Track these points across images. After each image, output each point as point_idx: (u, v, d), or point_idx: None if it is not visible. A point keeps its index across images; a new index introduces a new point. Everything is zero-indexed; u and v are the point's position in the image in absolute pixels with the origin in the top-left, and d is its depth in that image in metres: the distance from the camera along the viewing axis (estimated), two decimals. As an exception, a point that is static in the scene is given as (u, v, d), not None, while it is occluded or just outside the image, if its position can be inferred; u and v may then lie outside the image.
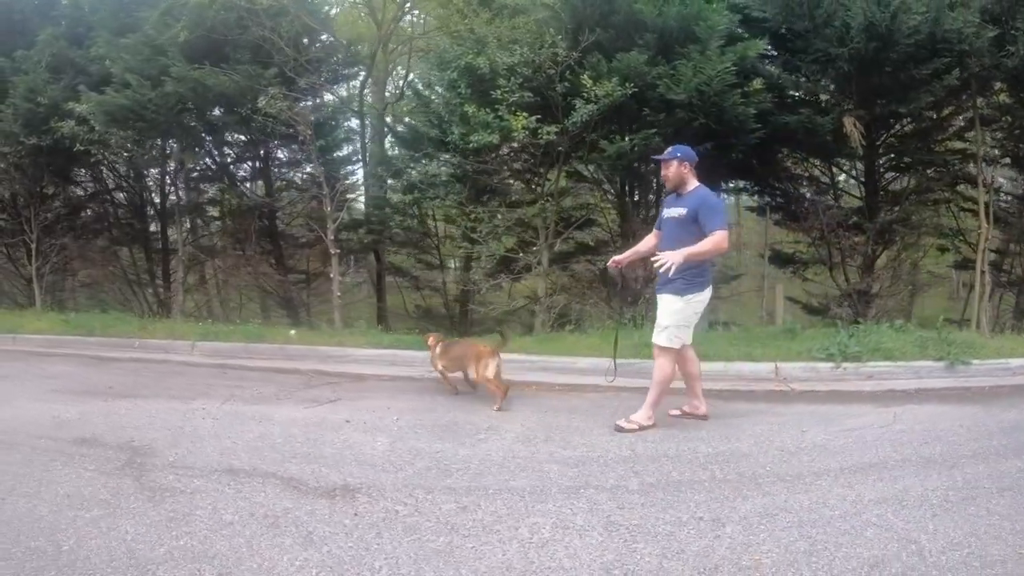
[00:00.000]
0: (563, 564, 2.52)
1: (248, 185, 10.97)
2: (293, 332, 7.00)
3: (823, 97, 8.16)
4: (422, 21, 9.93)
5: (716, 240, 3.96)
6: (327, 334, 7.44)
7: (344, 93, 9.58)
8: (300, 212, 10.22)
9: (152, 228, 11.57)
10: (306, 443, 4.03)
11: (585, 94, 6.89)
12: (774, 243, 9.88)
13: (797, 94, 8.03)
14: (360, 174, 10.50)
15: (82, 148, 8.73)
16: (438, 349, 5.30)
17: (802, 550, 2.57)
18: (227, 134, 9.72)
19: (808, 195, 8.61)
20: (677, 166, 4.22)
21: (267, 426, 4.38)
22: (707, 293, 4.25)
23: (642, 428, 4.17)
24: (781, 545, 2.62)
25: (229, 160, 10.57)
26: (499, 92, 6.68)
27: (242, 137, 9.92)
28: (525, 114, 6.71)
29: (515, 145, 7.31)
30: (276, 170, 10.66)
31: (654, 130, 7.10)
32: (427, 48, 8.64)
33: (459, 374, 5.32)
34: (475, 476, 3.46)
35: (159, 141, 9.46)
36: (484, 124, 6.72)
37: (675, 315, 4.13)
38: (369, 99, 9.72)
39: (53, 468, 3.63)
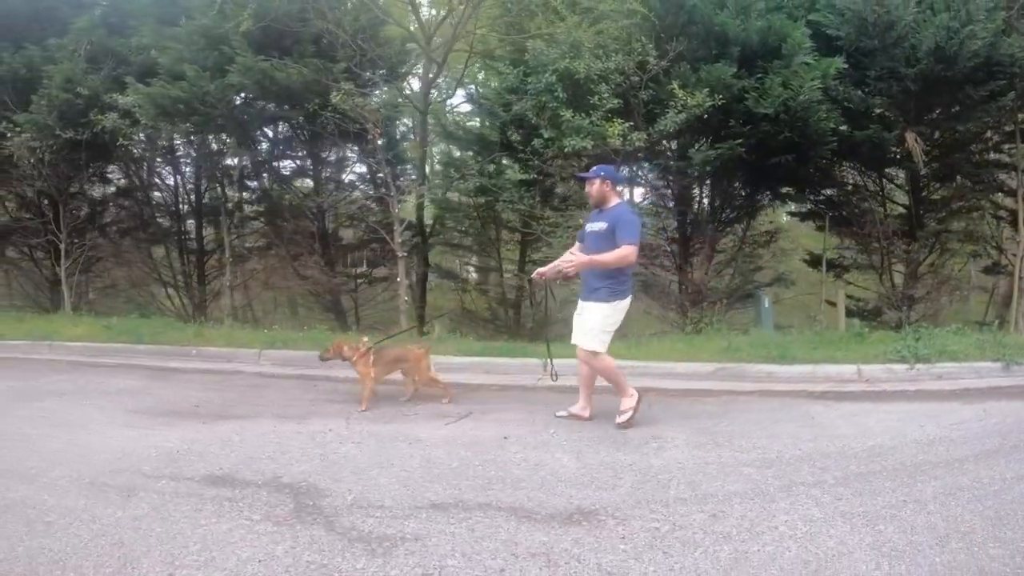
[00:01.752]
0: (839, 550, 2.62)
1: (296, 184, 10.25)
2: (366, 339, 6.49)
3: (880, 111, 8.20)
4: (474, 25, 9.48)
5: (623, 252, 4.22)
6: (405, 341, 6.90)
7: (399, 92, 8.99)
8: (355, 213, 9.63)
9: (184, 227, 10.79)
10: (487, 466, 3.61)
11: (673, 103, 6.78)
12: (812, 248, 9.90)
13: (861, 109, 8.00)
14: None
15: (124, 143, 7.99)
16: (371, 356, 4.93)
17: (991, 517, 2.88)
18: (278, 130, 9.11)
19: (866, 204, 8.64)
20: (600, 184, 4.43)
21: (425, 449, 3.92)
22: (628, 301, 4.47)
23: (635, 410, 4.39)
24: (975, 515, 2.91)
25: (284, 158, 9.89)
26: (596, 98, 6.42)
27: (286, 133, 9.30)
28: (620, 120, 6.45)
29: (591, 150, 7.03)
30: (328, 169, 10.00)
31: (739, 141, 7.04)
32: (484, 51, 8.23)
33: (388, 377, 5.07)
34: (690, 486, 3.31)
35: (210, 136, 8.72)
36: (577, 129, 6.44)
37: (601, 319, 4.35)
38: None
39: (206, 521, 2.95)
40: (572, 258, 4.40)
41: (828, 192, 9.00)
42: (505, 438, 4.16)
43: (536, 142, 6.93)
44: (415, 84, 9.23)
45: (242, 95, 8.00)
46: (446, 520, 2.94)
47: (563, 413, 4.64)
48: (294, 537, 2.79)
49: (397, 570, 2.50)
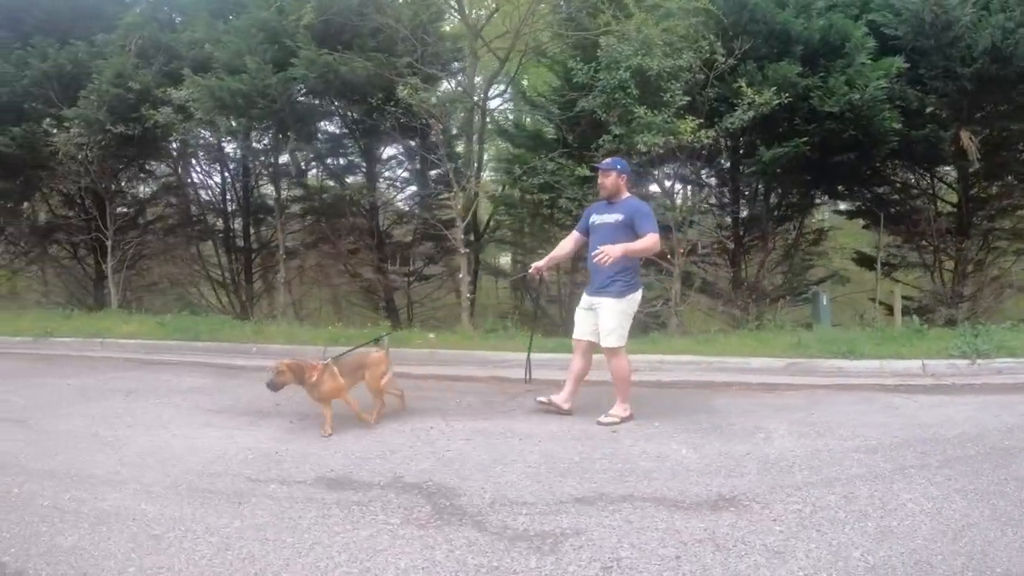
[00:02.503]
0: (965, 522, 2.79)
1: (349, 180, 10.19)
2: (432, 335, 6.61)
3: (932, 110, 8.37)
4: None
5: (651, 241, 4.30)
6: (467, 337, 7.03)
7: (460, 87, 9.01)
8: (406, 211, 9.61)
9: (231, 225, 10.78)
10: (612, 459, 3.65)
11: (739, 101, 6.90)
12: (855, 247, 10.08)
13: (916, 108, 8.17)
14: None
15: (177, 137, 8.02)
16: (335, 369, 4.35)
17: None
18: (333, 126, 9.12)
19: (916, 202, 8.82)
20: (616, 176, 4.50)
21: (538, 444, 3.93)
22: (639, 293, 4.57)
23: (623, 420, 4.42)
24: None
25: (338, 154, 9.84)
26: (668, 95, 6.54)
27: (341, 129, 9.30)
28: (691, 117, 6.58)
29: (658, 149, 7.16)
30: (382, 166, 10.00)
31: (804, 139, 7.16)
32: (537, 47, 8.32)
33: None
34: (811, 471, 3.41)
35: (267, 131, 8.73)
36: (649, 125, 6.56)
37: (618, 316, 4.41)
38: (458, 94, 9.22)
39: (340, 528, 2.85)
40: (606, 249, 4.22)
41: (879, 190, 9.11)
42: (614, 432, 4.21)
43: (604, 138, 6.99)
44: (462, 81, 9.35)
45: (302, 89, 7.98)
46: (597, 513, 2.96)
47: (544, 399, 4.68)
48: (448, 540, 2.71)
49: (574, 566, 2.48)
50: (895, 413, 4.46)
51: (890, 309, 9.59)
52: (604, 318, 4.42)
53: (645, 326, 8.56)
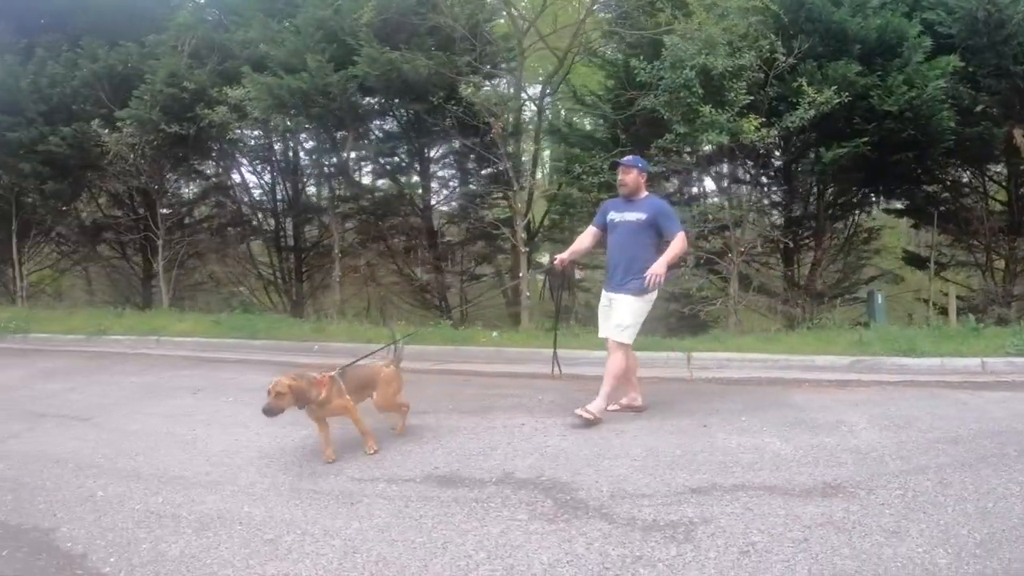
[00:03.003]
0: None
1: (403, 178, 10.31)
2: (495, 334, 6.75)
3: (984, 108, 8.48)
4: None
5: (682, 241, 4.42)
6: (532, 335, 7.10)
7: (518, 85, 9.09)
8: (458, 210, 9.75)
9: (282, 224, 10.92)
10: (712, 451, 3.79)
11: (799, 99, 6.99)
12: (898, 245, 10.20)
13: (970, 106, 8.28)
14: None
15: (233, 136, 8.17)
16: (342, 385, 3.86)
17: None
18: (387, 124, 9.24)
19: (966, 200, 8.93)
20: (637, 174, 4.55)
21: (634, 438, 4.05)
22: (655, 292, 4.58)
23: (596, 419, 4.40)
24: None
25: (393, 153, 9.87)
26: (732, 94, 6.67)
27: (395, 128, 9.39)
28: (754, 116, 6.71)
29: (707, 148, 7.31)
30: (437, 165, 10.11)
31: (864, 139, 7.26)
32: (589, 47, 8.47)
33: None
34: (902, 460, 3.56)
35: (323, 130, 8.81)
36: (713, 124, 6.69)
37: (635, 314, 4.47)
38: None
39: (468, 526, 2.88)
40: (653, 270, 4.30)
41: (929, 189, 9.17)
42: (704, 426, 4.31)
43: (667, 137, 7.11)
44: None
45: (360, 88, 8.03)
46: (716, 503, 3.07)
47: (615, 407, 4.65)
48: (582, 533, 2.77)
49: (713, 552, 2.60)
50: (965, 408, 4.59)
51: (940, 308, 9.73)
52: (620, 312, 4.49)
53: (700, 324, 8.75)
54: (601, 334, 4.72)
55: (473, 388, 5.61)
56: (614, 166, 4.89)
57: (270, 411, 3.58)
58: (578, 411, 4.38)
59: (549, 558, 2.59)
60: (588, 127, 9.26)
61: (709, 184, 9.26)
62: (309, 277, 10.82)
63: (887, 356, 6.16)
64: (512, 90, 8.60)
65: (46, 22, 10.42)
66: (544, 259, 12.59)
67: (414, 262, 9.32)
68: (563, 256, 4.81)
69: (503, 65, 8.53)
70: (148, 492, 3.40)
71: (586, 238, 4.85)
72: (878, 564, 2.49)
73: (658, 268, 4.31)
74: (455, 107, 7.67)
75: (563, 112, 9.18)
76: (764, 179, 8.59)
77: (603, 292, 4.72)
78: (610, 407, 4.64)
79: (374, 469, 3.62)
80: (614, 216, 4.63)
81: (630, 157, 4.72)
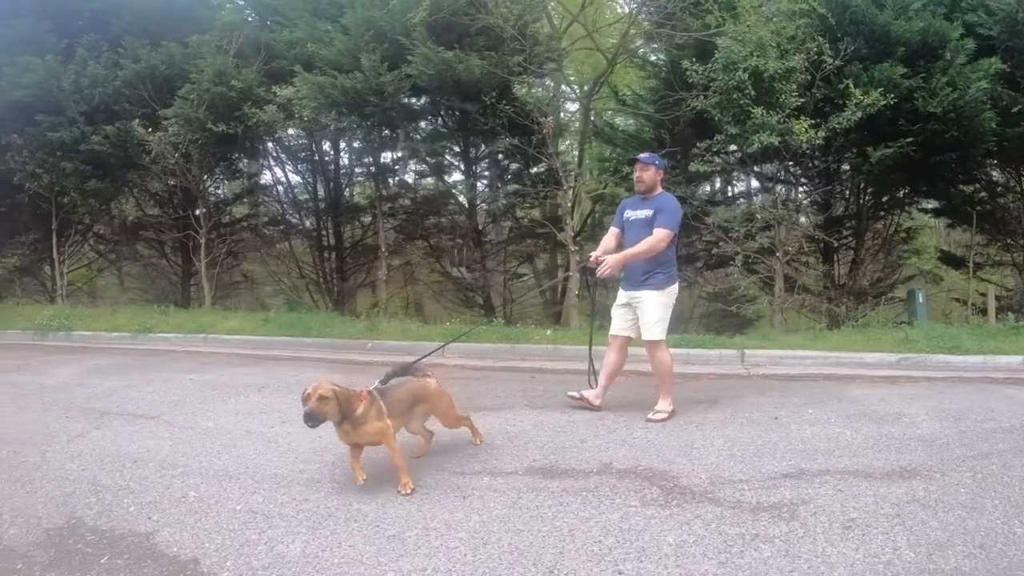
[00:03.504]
0: None
1: (448, 178, 10.51)
2: (549, 332, 6.97)
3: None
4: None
5: (655, 239, 4.43)
6: (585, 333, 7.22)
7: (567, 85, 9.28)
8: (501, 209, 9.92)
9: (324, 223, 11.06)
10: (791, 441, 4.00)
11: (846, 101, 7.20)
12: (937, 245, 10.43)
13: (1010, 107, 8.48)
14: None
15: (281, 135, 8.37)
16: (382, 405, 3.40)
17: None
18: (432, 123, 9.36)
19: (1002, 200, 9.14)
20: (655, 171, 4.63)
21: (714, 429, 4.26)
22: (677, 285, 4.73)
23: (671, 414, 4.56)
24: None
25: (438, 153, 9.80)
26: (783, 96, 6.90)
27: (441, 127, 9.41)
28: (805, 118, 6.94)
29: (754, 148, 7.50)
30: (481, 165, 10.21)
31: (909, 139, 7.48)
32: (632, 51, 8.67)
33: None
34: (966, 447, 3.83)
35: (373, 129, 8.83)
36: (763, 126, 6.92)
37: (661, 309, 4.57)
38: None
39: (588, 514, 3.01)
40: (607, 259, 4.45)
41: (966, 189, 9.36)
42: (775, 418, 4.50)
43: (717, 138, 7.32)
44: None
45: (413, 87, 8.15)
46: (808, 486, 3.28)
47: (575, 394, 4.80)
48: (697, 516, 2.95)
49: (819, 528, 2.82)
50: (1014, 402, 4.82)
51: (978, 307, 9.96)
52: (647, 311, 4.55)
53: (740, 323, 9.00)
54: (612, 331, 4.79)
55: (541, 384, 5.74)
56: (631, 162, 4.93)
57: (312, 417, 3.17)
58: (649, 416, 4.52)
59: (675, 539, 2.77)
60: (632, 128, 9.47)
61: (744, 184, 9.48)
62: (351, 276, 10.99)
63: (932, 354, 6.38)
64: (562, 89, 8.75)
65: (85, 23, 10.58)
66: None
67: (457, 261, 9.50)
68: (596, 254, 4.74)
69: (547, 66, 8.67)
70: (245, 491, 3.38)
71: (609, 239, 4.85)
72: (964, 534, 2.76)
73: (611, 259, 4.45)
74: (507, 107, 7.83)
75: (604, 113, 9.36)
76: (805, 179, 8.79)
77: (620, 291, 4.76)
78: (569, 393, 4.86)
79: (473, 464, 3.72)
80: (629, 214, 4.72)
81: (647, 154, 4.77)
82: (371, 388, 3.49)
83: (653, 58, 8.97)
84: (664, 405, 4.61)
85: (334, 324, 8.09)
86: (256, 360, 7.29)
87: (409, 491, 3.29)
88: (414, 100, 8.74)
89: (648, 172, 4.62)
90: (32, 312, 10.00)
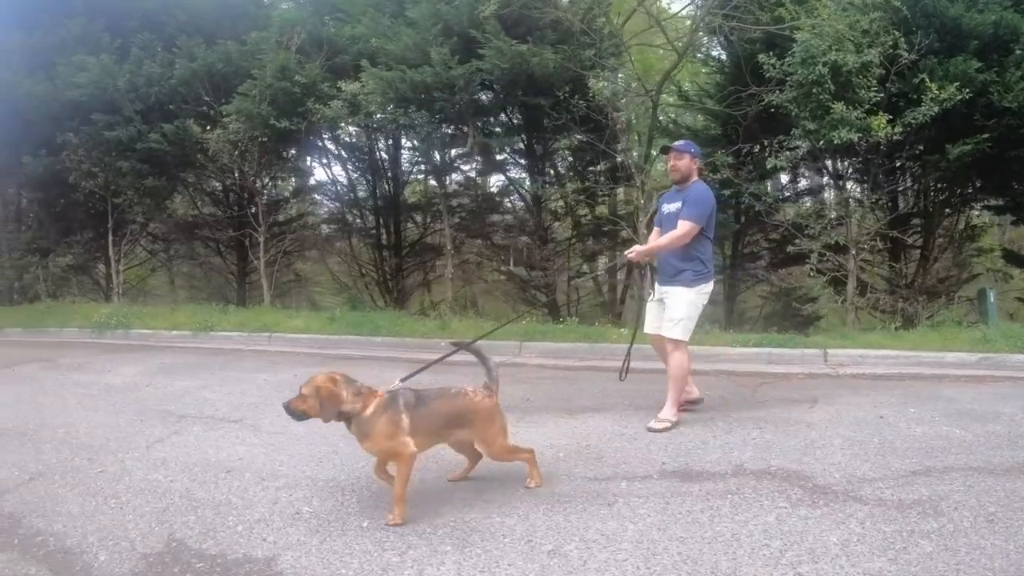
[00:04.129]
0: None
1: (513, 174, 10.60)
2: (624, 330, 7.09)
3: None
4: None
5: (676, 233, 4.30)
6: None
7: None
8: (564, 207, 9.99)
9: (384, 220, 11.21)
10: (904, 439, 4.08)
11: (921, 96, 7.19)
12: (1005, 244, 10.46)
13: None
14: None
15: (349, 132, 8.43)
16: (404, 416, 2.96)
17: None
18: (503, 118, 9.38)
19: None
20: (689, 160, 4.48)
21: (825, 431, 4.30)
22: (711, 284, 4.53)
23: (673, 424, 4.36)
24: None
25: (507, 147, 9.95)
26: (861, 91, 6.96)
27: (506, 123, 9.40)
28: (883, 113, 7.01)
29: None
30: (547, 161, 10.20)
31: (985, 135, 7.50)
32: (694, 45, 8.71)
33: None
34: None
35: (443, 124, 8.96)
36: (842, 122, 6.99)
37: (687, 307, 4.39)
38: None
39: (742, 517, 3.03)
40: (632, 249, 4.49)
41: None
42: (880, 417, 4.57)
43: (794, 132, 7.38)
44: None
45: (483, 82, 8.17)
46: (938, 482, 3.34)
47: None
48: (849, 515, 3.01)
49: (966, 522, 2.91)
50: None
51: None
52: (672, 306, 4.41)
53: (803, 321, 9.08)
54: (646, 330, 4.71)
55: (634, 384, 5.54)
56: (665, 150, 4.82)
57: (289, 411, 2.98)
58: (650, 424, 4.35)
59: (838, 539, 2.80)
60: (698, 123, 9.55)
61: (809, 180, 9.53)
62: (409, 275, 11.14)
63: (1011, 353, 6.40)
64: (633, 84, 8.80)
65: (137, 23, 10.77)
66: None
67: (520, 259, 9.62)
68: (640, 249, 4.56)
69: (610, 61, 8.71)
70: (364, 505, 3.21)
71: (653, 238, 4.78)
72: (1103, 523, 2.83)
73: (638, 248, 4.47)
74: (580, 101, 7.86)
75: (667, 109, 9.44)
76: (879, 175, 8.83)
77: (656, 286, 4.66)
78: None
79: (603, 468, 3.68)
80: (665, 208, 4.62)
81: (682, 142, 4.66)
82: (393, 388, 3.06)
83: (715, 52, 9.03)
84: (668, 413, 4.42)
85: (403, 323, 8.16)
86: (328, 360, 7.27)
87: (396, 523, 2.92)
88: (482, 95, 8.73)
89: (683, 160, 4.48)
90: (89, 310, 10.20)
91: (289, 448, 4.11)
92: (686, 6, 8.82)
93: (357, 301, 9.92)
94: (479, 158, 9.23)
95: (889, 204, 8.42)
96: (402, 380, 3.22)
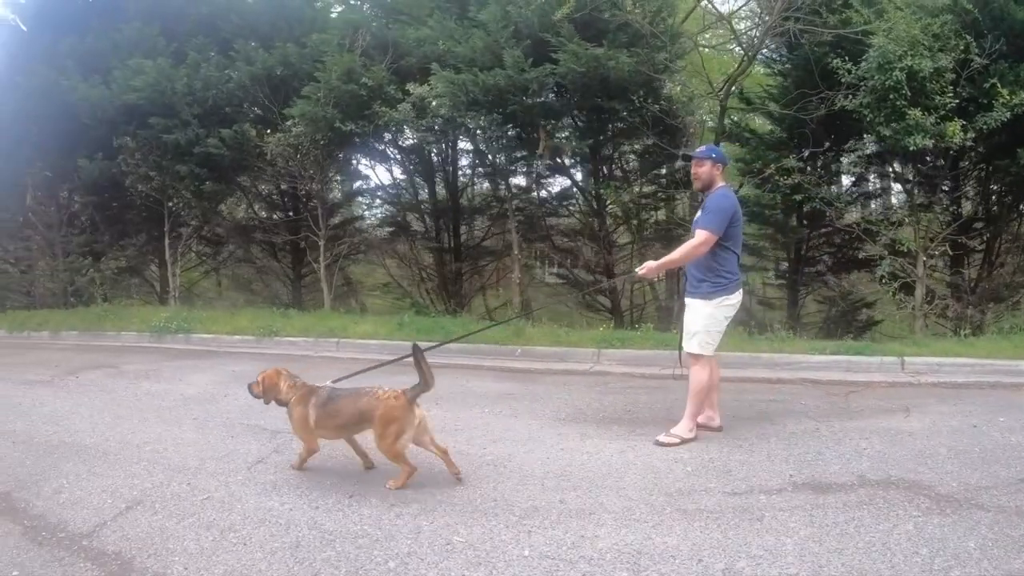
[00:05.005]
0: None
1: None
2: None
3: None
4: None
5: (690, 243, 4.30)
6: (741, 339, 7.43)
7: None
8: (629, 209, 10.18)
9: (444, 224, 11.42)
10: (1005, 450, 4.28)
11: (991, 101, 7.34)
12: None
13: None
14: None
15: (419, 133, 8.62)
16: (313, 412, 3.72)
17: None
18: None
19: None
20: (710, 166, 4.46)
21: (926, 439, 4.51)
22: (737, 296, 4.46)
23: (684, 441, 4.41)
24: None
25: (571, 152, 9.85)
26: (936, 97, 7.17)
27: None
28: (959, 119, 7.20)
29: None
30: (609, 164, 10.38)
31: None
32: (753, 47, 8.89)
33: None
34: None
35: (511, 127, 8.96)
36: (917, 127, 7.18)
37: (705, 320, 4.38)
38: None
39: (882, 526, 3.23)
40: (644, 265, 4.49)
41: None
42: (974, 426, 4.80)
43: (867, 138, 7.59)
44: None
45: (557, 85, 8.33)
46: None
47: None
48: (978, 521, 3.23)
49: None
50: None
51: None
52: (690, 320, 4.45)
53: (860, 326, 9.26)
54: (682, 344, 4.69)
55: (726, 394, 5.65)
56: (687, 159, 4.88)
57: (250, 392, 4.03)
58: (659, 438, 4.44)
59: (976, 544, 3.04)
60: (765, 127, 9.76)
61: (872, 184, 9.73)
62: (467, 279, 11.40)
63: (1085, 359, 6.54)
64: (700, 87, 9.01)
65: (192, 27, 11.07)
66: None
67: (582, 263, 9.85)
68: (651, 265, 4.57)
69: (676, 63, 8.87)
70: (520, 530, 3.25)
71: None
72: None
73: (649, 264, 4.43)
74: (653, 105, 8.05)
75: (731, 113, 9.63)
76: (948, 180, 9.02)
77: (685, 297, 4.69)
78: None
79: (736, 482, 3.83)
80: (697, 216, 4.60)
81: (703, 148, 4.66)
82: (325, 384, 3.83)
83: (777, 55, 9.19)
84: (682, 430, 4.47)
85: (472, 328, 8.01)
86: (406, 368, 7.33)
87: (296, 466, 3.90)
88: (553, 97, 8.88)
89: (703, 167, 4.48)
90: (147, 314, 10.50)
91: (423, 469, 3.99)
92: (742, 5, 8.92)
93: (420, 306, 10.14)
94: (548, 161, 9.33)
95: (953, 208, 8.58)
96: (334, 381, 3.90)
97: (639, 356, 7.34)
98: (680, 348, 4.76)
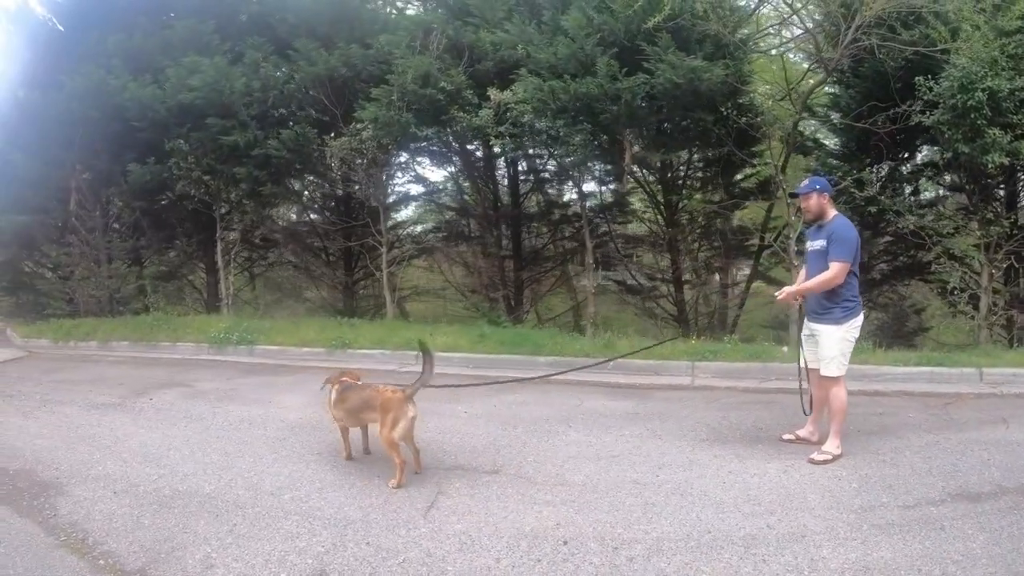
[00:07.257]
0: None
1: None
2: (786, 348, 7.91)
3: None
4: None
5: (829, 275, 4.74)
6: None
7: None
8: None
9: (510, 231, 11.90)
10: None
11: None
12: None
13: None
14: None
15: (502, 141, 8.85)
16: (333, 394, 4.83)
17: None
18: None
19: None
20: (817, 198, 4.91)
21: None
22: (861, 316, 5.01)
23: (835, 457, 4.88)
24: None
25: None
26: (1012, 116, 7.85)
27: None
28: (1032, 136, 7.90)
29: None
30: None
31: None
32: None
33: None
34: None
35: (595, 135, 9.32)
36: (994, 145, 7.86)
37: (839, 343, 4.87)
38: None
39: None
40: (782, 291, 5.07)
41: None
42: None
43: (945, 155, 8.27)
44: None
45: (649, 94, 8.63)
46: None
47: (789, 436, 5.31)
48: None
49: None
50: None
51: None
52: (824, 345, 4.90)
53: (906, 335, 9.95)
54: (805, 363, 5.21)
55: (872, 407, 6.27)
56: (792, 196, 5.42)
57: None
58: (812, 456, 4.89)
59: None
60: (831, 141, 10.48)
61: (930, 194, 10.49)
62: (527, 286, 11.89)
63: None
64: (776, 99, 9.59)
65: (244, 26, 11.35)
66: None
67: (649, 271, 10.42)
68: (790, 290, 5.13)
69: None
70: (756, 559, 3.50)
71: (800, 276, 5.36)
72: None
73: (786, 290, 5.05)
74: (740, 118, 8.60)
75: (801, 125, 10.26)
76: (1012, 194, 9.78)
77: (805, 321, 5.22)
78: (784, 437, 5.35)
79: (902, 496, 4.28)
80: (809, 245, 5.11)
81: (806, 182, 5.05)
82: (340, 379, 4.83)
83: (842, 67, 9.82)
84: (831, 447, 4.93)
85: (561, 341, 8.59)
86: (508, 387, 7.05)
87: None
88: (644, 106, 9.19)
89: (810, 200, 4.93)
90: (202, 323, 10.60)
91: (598, 506, 4.10)
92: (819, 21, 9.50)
93: (493, 316, 10.53)
94: (633, 168, 9.79)
95: (1012, 218, 9.34)
96: (321, 388, 4.97)
97: (732, 369, 7.82)
98: (800, 366, 5.31)
